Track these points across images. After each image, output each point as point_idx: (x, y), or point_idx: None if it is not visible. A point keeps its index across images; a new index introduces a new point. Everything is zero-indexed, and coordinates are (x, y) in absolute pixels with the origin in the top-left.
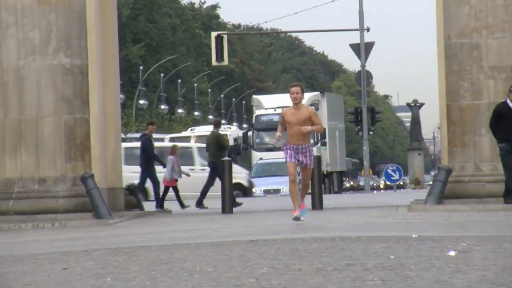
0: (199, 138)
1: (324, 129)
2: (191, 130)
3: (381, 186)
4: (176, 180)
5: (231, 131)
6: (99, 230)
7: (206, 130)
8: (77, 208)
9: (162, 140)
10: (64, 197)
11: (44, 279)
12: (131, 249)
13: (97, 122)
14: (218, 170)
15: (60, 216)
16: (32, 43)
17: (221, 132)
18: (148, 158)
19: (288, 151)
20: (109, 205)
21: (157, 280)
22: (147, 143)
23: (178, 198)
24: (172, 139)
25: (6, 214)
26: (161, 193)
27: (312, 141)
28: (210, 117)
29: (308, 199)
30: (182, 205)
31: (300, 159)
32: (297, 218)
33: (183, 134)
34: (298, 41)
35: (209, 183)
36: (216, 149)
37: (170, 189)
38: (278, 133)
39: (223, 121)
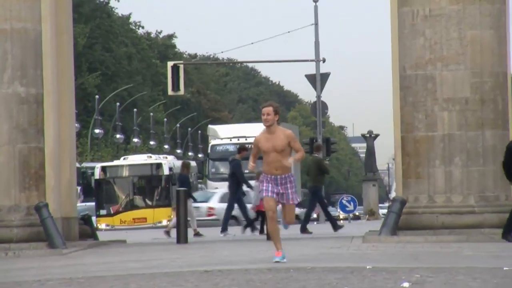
0: (132, 167)
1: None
2: (124, 158)
3: (341, 217)
4: None
5: (167, 161)
6: (53, 260)
7: (139, 159)
8: (31, 237)
9: (93, 169)
10: (18, 227)
11: None
12: (85, 279)
13: (52, 151)
14: (320, 194)
15: (13, 246)
16: None
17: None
18: (237, 183)
19: (265, 184)
20: (63, 234)
21: None
22: (237, 167)
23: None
24: (103, 168)
25: None
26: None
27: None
28: (166, 146)
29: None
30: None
31: (281, 191)
32: (279, 262)
33: (115, 163)
34: (254, 71)
35: (311, 207)
36: (317, 173)
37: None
38: (251, 163)
39: (180, 151)
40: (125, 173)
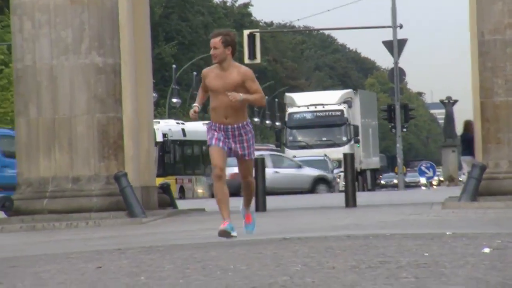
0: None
1: (353, 123)
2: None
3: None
4: None
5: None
6: (132, 229)
7: (169, 123)
8: (110, 207)
9: None
10: (97, 196)
11: (78, 278)
12: (164, 247)
13: (130, 121)
14: None
15: (94, 215)
16: (65, 42)
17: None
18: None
19: (213, 132)
20: (142, 203)
21: (191, 278)
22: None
23: None
24: None
25: (40, 213)
26: None
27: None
28: None
29: (341, 198)
30: None
31: (232, 146)
32: (225, 233)
33: None
34: (331, 39)
35: None
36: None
37: None
38: (195, 104)
39: (258, 119)
40: None
